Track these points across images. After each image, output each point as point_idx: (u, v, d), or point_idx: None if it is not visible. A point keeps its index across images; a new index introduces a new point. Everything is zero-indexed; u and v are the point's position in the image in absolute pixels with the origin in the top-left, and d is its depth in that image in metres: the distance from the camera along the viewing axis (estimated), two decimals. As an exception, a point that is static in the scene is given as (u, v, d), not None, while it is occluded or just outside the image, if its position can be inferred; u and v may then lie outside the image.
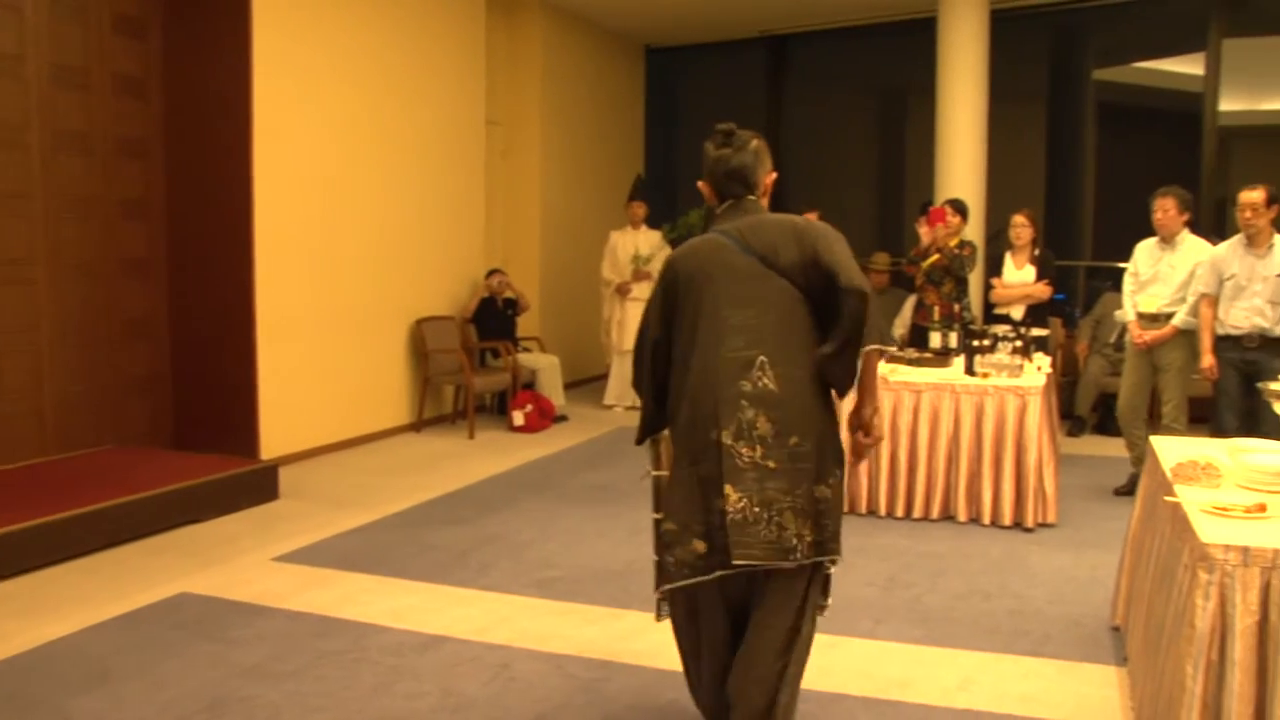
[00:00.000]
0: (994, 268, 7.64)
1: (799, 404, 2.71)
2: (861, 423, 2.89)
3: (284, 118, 6.97)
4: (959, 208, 7.30)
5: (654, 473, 2.90)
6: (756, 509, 2.64)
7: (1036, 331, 6.78)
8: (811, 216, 3.07)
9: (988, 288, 7.82)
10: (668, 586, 2.80)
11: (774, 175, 2.98)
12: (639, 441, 2.99)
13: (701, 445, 2.71)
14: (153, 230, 6.94)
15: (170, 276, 7.03)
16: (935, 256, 7.11)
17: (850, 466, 2.92)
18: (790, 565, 2.70)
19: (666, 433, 2.95)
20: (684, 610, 2.90)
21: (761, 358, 2.70)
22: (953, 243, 7.12)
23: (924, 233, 7.24)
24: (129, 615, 4.33)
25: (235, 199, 6.71)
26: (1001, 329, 6.49)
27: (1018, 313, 7.30)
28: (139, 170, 6.81)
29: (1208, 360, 5.85)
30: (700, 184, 2.98)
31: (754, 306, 2.74)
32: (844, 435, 2.89)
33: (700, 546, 2.70)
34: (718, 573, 2.70)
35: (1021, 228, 7.33)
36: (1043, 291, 7.28)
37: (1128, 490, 6.34)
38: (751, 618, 2.83)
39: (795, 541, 2.66)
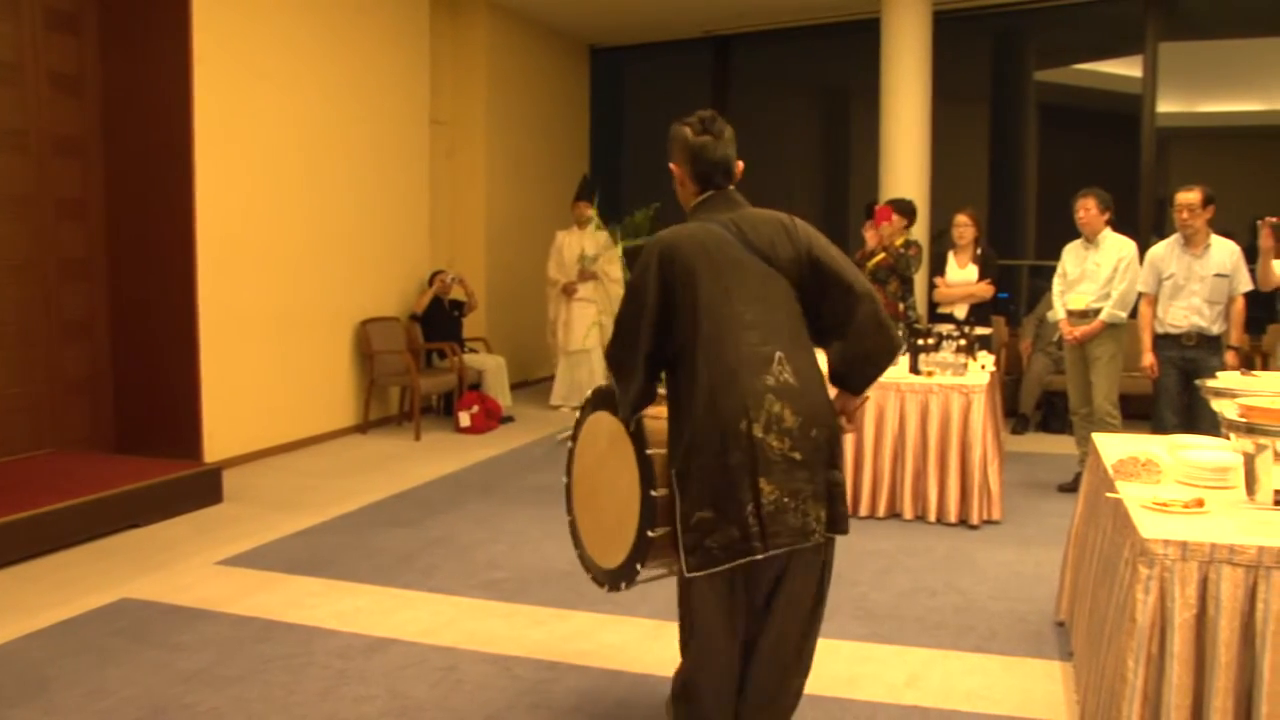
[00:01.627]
0: (938, 267, 7.71)
1: (816, 397, 2.83)
2: (846, 411, 2.98)
3: (226, 116, 6.87)
4: (902, 208, 7.36)
5: (649, 451, 2.89)
6: (786, 499, 2.75)
7: (980, 330, 6.85)
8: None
9: (931, 287, 7.88)
10: (716, 569, 2.78)
11: (741, 165, 3.02)
12: (628, 418, 2.94)
13: (731, 436, 2.74)
14: (91, 230, 6.82)
15: (110, 277, 6.92)
16: (881, 256, 7.16)
17: None
18: (810, 545, 2.83)
19: (654, 410, 2.95)
20: (716, 592, 2.87)
21: (779, 353, 2.78)
22: (898, 241, 7.18)
23: (870, 235, 7.29)
24: (68, 622, 4.26)
25: (176, 198, 6.61)
26: (946, 328, 6.56)
27: (961, 312, 7.37)
28: (76, 169, 6.69)
29: (1148, 359, 5.96)
30: (673, 166, 3.00)
31: (763, 303, 2.82)
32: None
33: (735, 533, 2.74)
34: (754, 557, 2.77)
35: (964, 227, 7.40)
36: (985, 290, 7.35)
37: (1072, 487, 6.43)
38: (779, 592, 2.91)
39: (815, 525, 2.79)
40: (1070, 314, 6.37)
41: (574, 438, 3.29)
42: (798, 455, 2.76)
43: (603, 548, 3.14)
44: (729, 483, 2.74)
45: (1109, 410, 6.23)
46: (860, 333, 2.85)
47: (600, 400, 3.14)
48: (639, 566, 2.95)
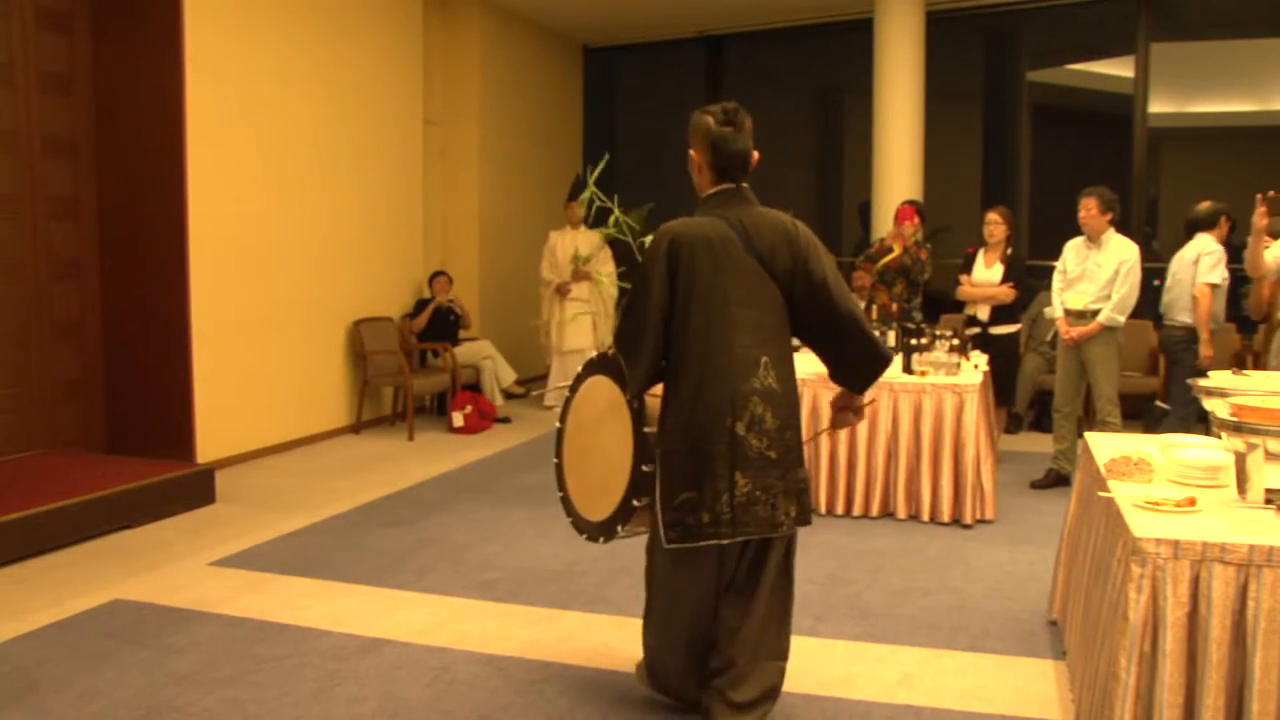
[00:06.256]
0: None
1: (792, 401, 3.10)
2: (852, 405, 3.29)
3: (218, 116, 6.86)
4: (920, 208, 7.41)
5: (647, 429, 3.11)
6: (758, 493, 2.98)
7: (1001, 329, 6.88)
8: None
9: (955, 284, 7.72)
10: (695, 544, 3.00)
11: (757, 155, 3.15)
12: (634, 396, 3.14)
13: (715, 429, 2.96)
14: (83, 230, 6.80)
15: (102, 277, 6.89)
16: (894, 255, 7.16)
17: (829, 434, 3.22)
18: (777, 535, 3.07)
19: (657, 389, 3.13)
20: (689, 566, 3.12)
21: (765, 358, 3.00)
22: (911, 240, 7.22)
23: (891, 235, 7.30)
24: (59, 624, 4.24)
25: (169, 198, 6.58)
26: (947, 330, 6.52)
27: (984, 313, 7.21)
28: (67, 169, 6.66)
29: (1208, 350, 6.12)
30: (692, 152, 3.15)
31: (756, 306, 3.01)
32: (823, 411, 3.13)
33: (707, 516, 2.95)
34: (720, 541, 2.98)
35: (995, 225, 7.21)
36: (1006, 294, 7.12)
37: (1044, 484, 6.50)
38: (751, 575, 3.16)
39: (783, 518, 3.03)
40: (1068, 313, 6.35)
41: (573, 389, 3.47)
42: (773, 454, 2.99)
43: (585, 499, 3.38)
44: (709, 471, 2.95)
45: (1109, 411, 6.24)
46: (849, 348, 3.10)
47: (603, 366, 3.30)
48: (619, 528, 3.19)
